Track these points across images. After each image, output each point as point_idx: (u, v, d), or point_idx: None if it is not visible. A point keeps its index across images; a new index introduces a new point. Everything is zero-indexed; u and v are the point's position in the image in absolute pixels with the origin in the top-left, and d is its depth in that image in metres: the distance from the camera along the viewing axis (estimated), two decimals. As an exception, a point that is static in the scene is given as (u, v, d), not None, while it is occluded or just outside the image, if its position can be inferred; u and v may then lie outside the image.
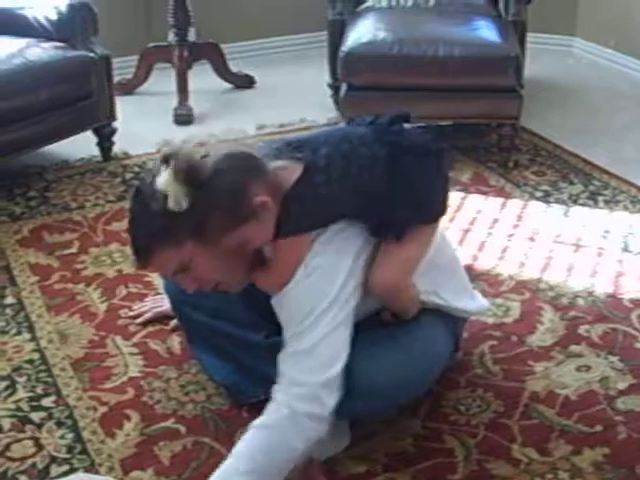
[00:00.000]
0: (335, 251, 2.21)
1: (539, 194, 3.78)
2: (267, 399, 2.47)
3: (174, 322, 2.87)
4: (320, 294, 2.17)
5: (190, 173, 2.04)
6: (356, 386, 2.21)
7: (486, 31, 4.07)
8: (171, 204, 2.03)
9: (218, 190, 2.07)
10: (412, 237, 2.27)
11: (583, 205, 3.68)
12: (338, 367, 2.18)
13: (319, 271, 2.17)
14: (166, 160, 2.06)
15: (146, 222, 2.13)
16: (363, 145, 2.23)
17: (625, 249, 3.35)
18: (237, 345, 2.55)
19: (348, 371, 2.21)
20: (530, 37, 4.41)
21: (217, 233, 2.09)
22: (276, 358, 2.40)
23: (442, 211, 2.36)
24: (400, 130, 2.31)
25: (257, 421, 2.17)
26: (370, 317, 2.38)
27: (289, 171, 2.17)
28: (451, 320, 2.50)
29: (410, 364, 2.30)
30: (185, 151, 2.10)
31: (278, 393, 2.18)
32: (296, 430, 2.13)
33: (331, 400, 2.16)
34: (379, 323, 2.39)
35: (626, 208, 3.65)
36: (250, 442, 2.14)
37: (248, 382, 2.55)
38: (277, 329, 2.54)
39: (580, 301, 3.02)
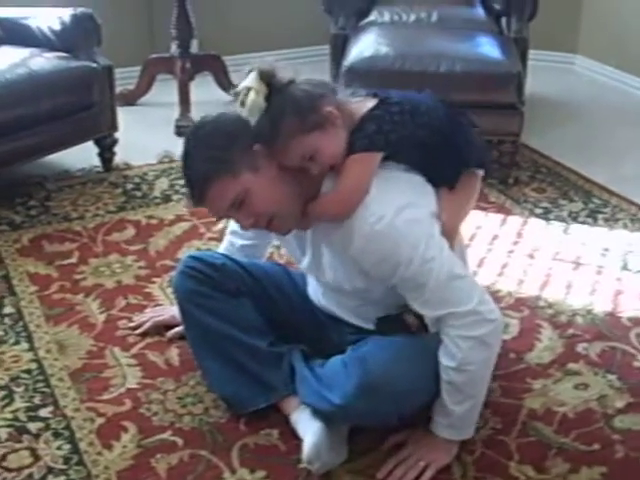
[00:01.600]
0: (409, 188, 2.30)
1: (539, 211, 3.78)
2: (267, 407, 2.52)
3: (172, 332, 2.87)
4: (418, 222, 2.24)
5: (273, 75, 2.18)
6: (366, 385, 2.25)
7: (488, 47, 4.09)
8: (250, 102, 2.15)
9: (292, 95, 2.18)
10: (463, 186, 2.38)
11: (583, 223, 3.68)
12: (475, 280, 2.35)
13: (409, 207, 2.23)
14: (250, 72, 2.21)
15: (205, 152, 2.22)
16: (424, 97, 2.40)
17: (624, 267, 3.35)
18: (241, 350, 2.56)
19: (360, 369, 2.28)
20: (532, 54, 4.42)
21: (287, 137, 2.16)
22: (279, 366, 2.50)
23: (489, 159, 2.50)
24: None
25: (451, 366, 2.28)
26: (388, 319, 2.46)
27: (364, 102, 2.30)
28: None
29: (416, 373, 2.31)
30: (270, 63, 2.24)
31: (450, 338, 2.27)
32: (486, 352, 2.29)
33: (492, 308, 2.29)
34: (392, 330, 2.43)
35: (626, 226, 3.65)
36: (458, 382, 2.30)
37: (248, 389, 2.55)
38: (282, 337, 2.57)
39: (579, 319, 3.02)
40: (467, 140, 2.38)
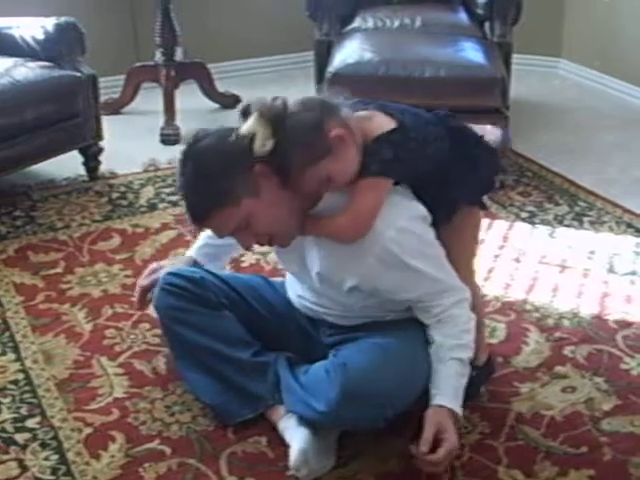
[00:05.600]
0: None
1: (525, 215, 3.79)
2: (253, 418, 2.51)
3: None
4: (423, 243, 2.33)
5: (272, 114, 2.17)
6: (349, 390, 2.25)
7: (472, 52, 4.09)
8: (258, 146, 2.15)
9: (296, 127, 2.17)
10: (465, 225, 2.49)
11: (568, 226, 3.69)
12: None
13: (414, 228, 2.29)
14: (244, 113, 2.21)
15: (206, 182, 2.20)
16: (430, 123, 2.38)
17: (610, 270, 3.36)
18: (225, 362, 2.56)
19: (342, 375, 2.28)
20: (516, 58, 4.43)
21: (299, 170, 2.16)
22: (265, 376, 2.49)
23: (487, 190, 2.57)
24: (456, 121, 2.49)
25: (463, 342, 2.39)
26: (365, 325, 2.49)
27: (381, 121, 2.29)
28: None
29: (397, 375, 2.33)
30: (262, 99, 2.21)
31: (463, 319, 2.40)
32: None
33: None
34: (371, 331, 2.45)
35: (611, 229, 3.66)
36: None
37: (235, 401, 2.55)
38: (266, 345, 2.58)
39: (565, 322, 3.03)
40: (461, 180, 2.39)
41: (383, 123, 2.28)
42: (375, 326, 2.47)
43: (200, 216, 2.26)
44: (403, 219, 2.26)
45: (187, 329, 2.59)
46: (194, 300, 2.60)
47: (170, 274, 2.67)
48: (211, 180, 2.19)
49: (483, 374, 2.62)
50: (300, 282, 2.56)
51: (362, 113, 2.31)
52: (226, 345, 2.56)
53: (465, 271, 2.48)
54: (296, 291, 2.62)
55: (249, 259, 3.35)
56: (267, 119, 2.15)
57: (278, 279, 2.83)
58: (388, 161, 2.23)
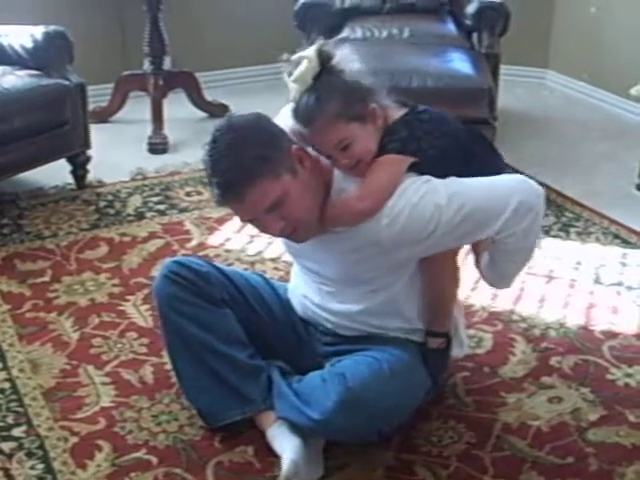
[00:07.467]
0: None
1: (512, 225, 3.79)
2: (241, 423, 2.52)
3: None
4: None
5: (329, 57, 2.24)
6: (346, 400, 2.25)
7: (459, 63, 4.11)
8: (300, 72, 2.20)
9: (344, 80, 2.24)
10: None
11: (555, 237, 3.70)
12: None
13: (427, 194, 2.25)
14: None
15: (251, 150, 2.20)
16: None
17: (597, 281, 3.37)
18: (221, 360, 2.53)
19: (340, 385, 2.28)
20: (503, 69, 4.46)
21: (329, 118, 2.19)
22: (258, 379, 2.50)
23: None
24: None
25: None
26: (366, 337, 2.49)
27: (394, 108, 2.33)
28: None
29: (395, 390, 2.33)
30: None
31: None
32: None
33: None
34: (369, 345, 2.46)
35: (598, 240, 3.68)
36: None
37: (224, 401, 2.53)
38: (259, 351, 2.59)
39: (552, 332, 3.04)
40: (483, 160, 2.39)
41: (399, 111, 2.33)
42: (374, 341, 2.48)
43: (240, 186, 2.19)
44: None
45: (187, 321, 2.54)
46: (198, 294, 2.55)
47: (175, 262, 2.63)
48: (253, 149, 2.20)
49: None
50: (311, 280, 2.55)
51: (390, 104, 2.37)
52: (224, 343, 2.54)
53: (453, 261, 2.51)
54: (302, 291, 2.62)
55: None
56: (322, 57, 2.22)
57: (278, 281, 2.85)
58: (404, 139, 2.25)
